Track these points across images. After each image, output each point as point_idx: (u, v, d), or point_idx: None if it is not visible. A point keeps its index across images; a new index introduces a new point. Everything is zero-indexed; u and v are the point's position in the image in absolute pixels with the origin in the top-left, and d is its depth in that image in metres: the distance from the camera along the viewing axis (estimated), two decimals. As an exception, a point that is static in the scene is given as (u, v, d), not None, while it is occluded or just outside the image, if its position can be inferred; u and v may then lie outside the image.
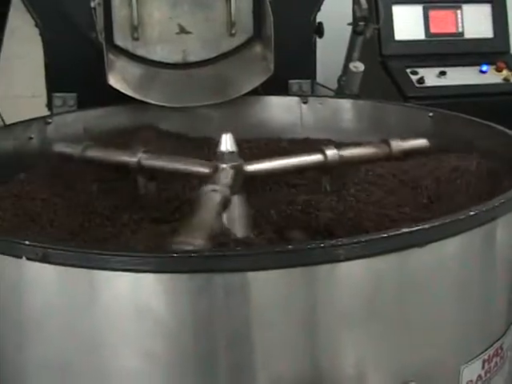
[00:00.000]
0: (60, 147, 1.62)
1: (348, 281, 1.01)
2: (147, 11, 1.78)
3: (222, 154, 1.37)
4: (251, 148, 1.67)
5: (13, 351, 1.12)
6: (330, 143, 1.57)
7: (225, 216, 1.33)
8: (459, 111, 1.74)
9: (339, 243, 0.98)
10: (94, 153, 1.56)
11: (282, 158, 1.48)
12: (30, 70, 2.81)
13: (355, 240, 0.99)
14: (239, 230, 1.31)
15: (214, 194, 1.22)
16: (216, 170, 1.34)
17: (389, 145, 1.53)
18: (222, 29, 1.82)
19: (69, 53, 1.83)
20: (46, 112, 1.92)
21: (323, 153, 1.46)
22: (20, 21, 2.31)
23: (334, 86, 2.11)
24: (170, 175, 1.48)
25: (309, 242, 0.99)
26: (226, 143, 1.38)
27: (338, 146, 1.53)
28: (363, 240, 0.99)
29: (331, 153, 1.46)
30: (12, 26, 2.31)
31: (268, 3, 1.79)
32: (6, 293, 1.10)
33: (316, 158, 1.46)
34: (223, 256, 1.01)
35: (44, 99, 1.97)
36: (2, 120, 2.30)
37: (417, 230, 1.03)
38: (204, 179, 1.34)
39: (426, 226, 1.03)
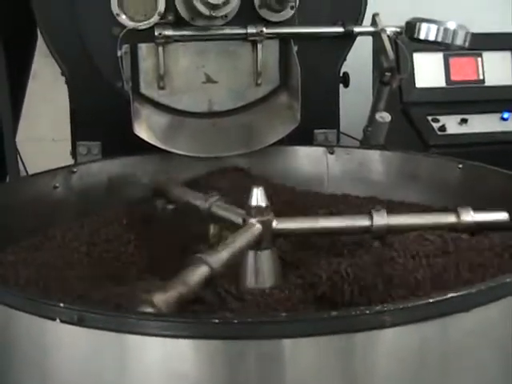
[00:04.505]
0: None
1: (392, 348, 0.98)
2: (173, 60, 1.78)
3: (252, 208, 1.35)
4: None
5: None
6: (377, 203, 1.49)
7: (253, 271, 1.32)
8: (481, 159, 1.73)
9: (385, 309, 0.95)
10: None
11: (316, 219, 1.41)
12: (51, 113, 2.84)
13: (401, 306, 0.96)
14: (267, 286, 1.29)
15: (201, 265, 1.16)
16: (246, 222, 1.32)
17: (458, 215, 1.35)
18: (249, 78, 1.81)
19: (94, 101, 1.82)
20: (66, 156, 1.92)
21: (371, 218, 1.32)
22: (42, 65, 2.32)
23: (356, 133, 2.10)
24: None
25: (353, 308, 0.96)
26: (257, 197, 1.35)
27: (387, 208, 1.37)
28: (409, 305, 0.96)
29: (379, 220, 1.32)
30: (34, 69, 2.32)
31: (295, 53, 1.79)
32: (34, 355, 1.08)
33: (363, 222, 1.33)
34: (260, 323, 0.98)
35: (65, 143, 1.96)
36: (22, 163, 2.30)
37: (463, 295, 1.00)
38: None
39: (473, 291, 1.00)
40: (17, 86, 2.15)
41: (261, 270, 1.32)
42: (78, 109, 1.84)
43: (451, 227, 1.33)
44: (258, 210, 1.33)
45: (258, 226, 1.32)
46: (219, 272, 1.16)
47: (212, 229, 1.42)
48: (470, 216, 1.34)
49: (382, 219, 1.32)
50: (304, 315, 1.01)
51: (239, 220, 1.33)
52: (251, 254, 1.32)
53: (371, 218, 1.32)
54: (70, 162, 1.89)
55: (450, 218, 1.35)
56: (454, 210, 1.36)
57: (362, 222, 1.34)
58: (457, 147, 2.37)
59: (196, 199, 1.47)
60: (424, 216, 1.39)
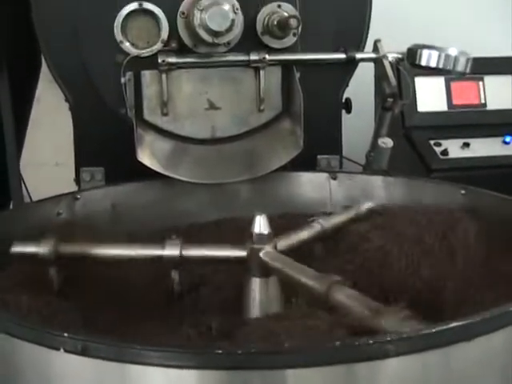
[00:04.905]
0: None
1: (396, 377, 0.98)
2: (176, 87, 1.79)
3: (257, 235, 1.35)
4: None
5: None
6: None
7: (260, 297, 1.32)
8: (483, 183, 1.73)
9: (388, 338, 0.95)
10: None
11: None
12: (54, 138, 2.85)
13: (404, 335, 0.96)
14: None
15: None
16: (253, 252, 1.32)
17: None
18: (251, 104, 1.83)
19: (98, 127, 1.83)
20: (69, 180, 1.92)
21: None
22: (46, 89, 2.34)
23: (358, 158, 2.11)
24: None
25: (356, 338, 0.96)
26: (260, 224, 1.36)
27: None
28: (412, 335, 0.96)
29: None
30: (38, 94, 2.34)
31: (297, 79, 1.80)
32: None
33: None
34: (263, 353, 0.98)
35: (68, 167, 1.97)
36: (26, 187, 2.30)
37: (465, 324, 1.00)
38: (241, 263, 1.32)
39: (476, 320, 1.00)
40: (21, 111, 2.16)
41: (270, 297, 1.33)
42: (82, 135, 1.85)
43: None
44: (265, 237, 1.34)
45: (270, 251, 1.33)
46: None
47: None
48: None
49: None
50: (307, 345, 1.01)
51: (242, 253, 1.34)
52: (260, 281, 1.33)
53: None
54: (73, 186, 1.90)
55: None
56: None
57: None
58: (459, 171, 2.38)
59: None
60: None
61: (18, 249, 1.40)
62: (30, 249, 1.39)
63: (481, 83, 2.58)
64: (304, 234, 1.50)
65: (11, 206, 2.06)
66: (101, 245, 1.41)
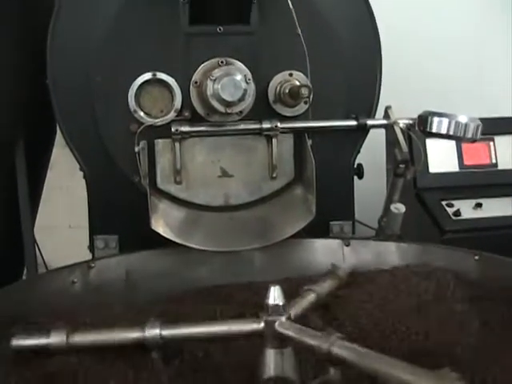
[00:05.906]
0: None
1: None
2: (190, 155, 1.81)
3: (271, 307, 1.35)
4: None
5: None
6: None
7: (275, 367, 1.31)
8: (497, 243, 1.73)
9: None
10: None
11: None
12: (67, 201, 2.88)
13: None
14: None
15: None
16: (268, 324, 1.32)
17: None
18: (264, 172, 1.84)
19: (112, 195, 1.85)
20: (83, 242, 1.93)
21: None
22: (59, 154, 2.37)
23: (370, 220, 2.11)
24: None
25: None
26: (274, 296, 1.36)
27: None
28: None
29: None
30: (52, 159, 2.37)
31: (309, 147, 1.81)
32: None
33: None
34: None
35: (81, 230, 1.98)
36: (39, 250, 2.31)
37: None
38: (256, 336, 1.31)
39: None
40: (35, 178, 2.18)
41: (285, 368, 1.31)
42: (96, 202, 1.86)
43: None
44: (280, 308, 1.34)
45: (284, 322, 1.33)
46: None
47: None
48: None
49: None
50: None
51: (258, 326, 1.33)
52: (274, 352, 1.32)
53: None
54: (86, 248, 1.91)
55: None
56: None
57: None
58: (472, 232, 2.38)
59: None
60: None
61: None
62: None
63: (491, 143, 2.60)
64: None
65: (24, 273, 2.07)
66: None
